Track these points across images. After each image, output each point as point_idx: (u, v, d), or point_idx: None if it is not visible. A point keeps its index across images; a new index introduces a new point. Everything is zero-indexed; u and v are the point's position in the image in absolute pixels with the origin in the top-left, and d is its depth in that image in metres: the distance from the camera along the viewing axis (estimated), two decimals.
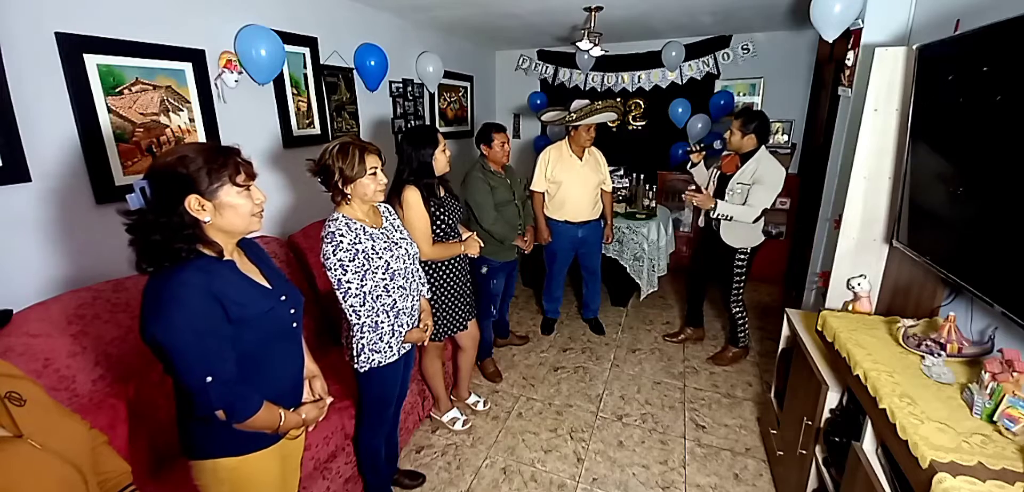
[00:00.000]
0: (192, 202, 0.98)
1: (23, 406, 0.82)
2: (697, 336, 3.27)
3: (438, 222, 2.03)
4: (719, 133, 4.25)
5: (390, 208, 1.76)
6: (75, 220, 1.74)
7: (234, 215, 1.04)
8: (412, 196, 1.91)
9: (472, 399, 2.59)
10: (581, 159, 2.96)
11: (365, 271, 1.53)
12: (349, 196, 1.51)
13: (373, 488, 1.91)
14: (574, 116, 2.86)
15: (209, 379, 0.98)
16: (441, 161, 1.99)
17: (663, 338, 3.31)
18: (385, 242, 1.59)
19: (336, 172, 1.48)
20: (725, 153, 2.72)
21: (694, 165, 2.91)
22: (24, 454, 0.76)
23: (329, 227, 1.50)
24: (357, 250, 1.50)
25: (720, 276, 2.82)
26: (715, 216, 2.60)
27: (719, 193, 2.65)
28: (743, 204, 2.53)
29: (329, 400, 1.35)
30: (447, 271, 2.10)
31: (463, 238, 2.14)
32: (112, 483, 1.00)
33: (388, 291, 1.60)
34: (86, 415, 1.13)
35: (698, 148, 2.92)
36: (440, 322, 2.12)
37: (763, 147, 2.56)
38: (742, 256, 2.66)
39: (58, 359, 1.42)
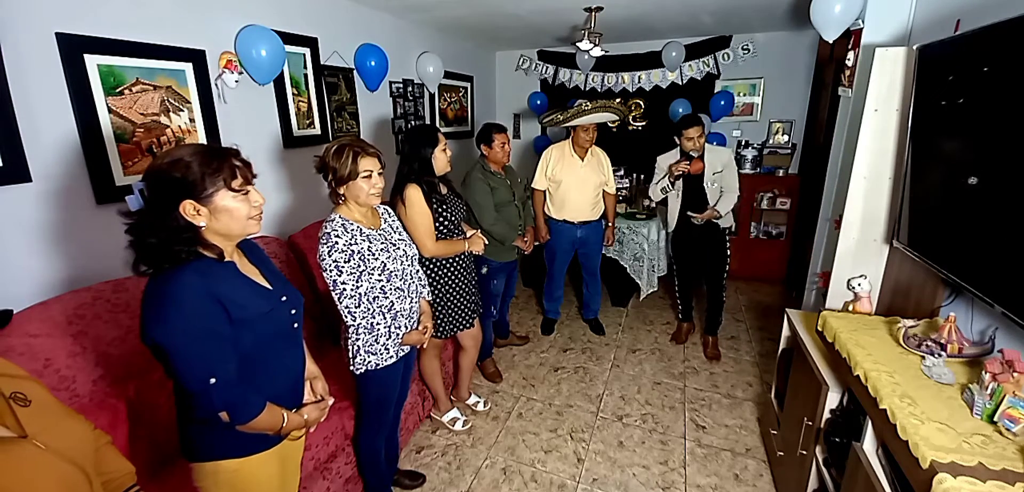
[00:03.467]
0: (187, 207, 0.97)
1: (28, 407, 0.82)
2: (691, 329, 3.34)
3: (441, 220, 2.03)
4: (719, 135, 4.26)
5: (389, 209, 1.76)
6: (75, 220, 1.75)
7: (230, 219, 1.03)
8: (414, 194, 1.91)
9: (472, 399, 2.59)
10: (582, 160, 2.96)
11: (361, 273, 1.52)
12: (343, 196, 1.52)
13: (373, 488, 1.91)
14: (562, 117, 2.87)
15: (212, 381, 0.98)
16: (441, 160, 1.99)
17: (670, 341, 3.31)
18: (382, 243, 1.59)
19: (330, 172, 1.49)
20: (690, 159, 2.74)
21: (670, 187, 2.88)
22: (29, 455, 0.76)
23: (325, 228, 1.50)
24: (353, 251, 1.50)
25: (710, 265, 2.96)
26: (719, 214, 2.79)
27: (692, 193, 2.83)
28: (719, 194, 2.81)
29: (330, 401, 1.35)
30: (452, 269, 2.10)
31: (467, 236, 2.14)
32: (116, 483, 1.00)
33: (385, 292, 1.59)
34: (87, 415, 1.13)
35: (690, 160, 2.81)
36: (445, 320, 2.13)
37: None
38: (728, 238, 2.93)
39: (58, 359, 1.43)
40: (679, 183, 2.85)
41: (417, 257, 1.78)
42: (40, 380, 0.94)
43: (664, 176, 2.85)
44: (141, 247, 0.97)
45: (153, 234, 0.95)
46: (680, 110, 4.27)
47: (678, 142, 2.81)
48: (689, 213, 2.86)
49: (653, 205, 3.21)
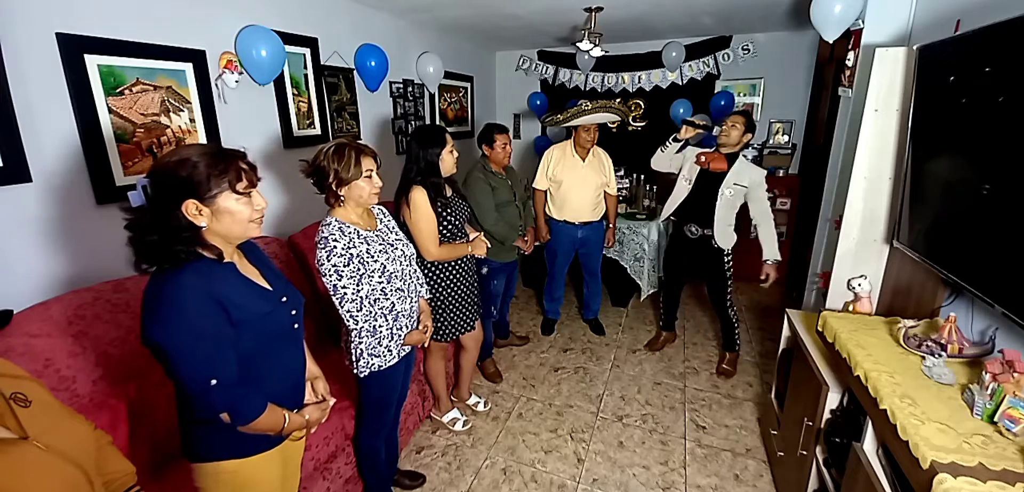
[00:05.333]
0: (190, 207, 0.97)
1: (28, 407, 0.82)
2: (670, 340, 3.24)
3: (445, 222, 2.02)
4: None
5: (384, 210, 1.74)
6: (76, 220, 1.74)
7: (232, 221, 1.03)
8: (419, 197, 1.90)
9: (472, 400, 2.59)
10: (584, 160, 2.96)
11: (361, 275, 1.51)
12: (342, 198, 1.49)
13: (373, 488, 1.91)
14: (562, 117, 2.86)
15: (213, 382, 0.98)
16: (448, 161, 1.98)
17: (644, 348, 3.20)
18: (380, 245, 1.57)
19: (331, 174, 1.45)
20: (712, 150, 2.60)
21: (678, 140, 2.70)
22: (29, 456, 0.76)
23: (322, 232, 1.47)
24: (351, 254, 1.48)
25: (703, 279, 2.81)
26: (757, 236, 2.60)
27: (702, 190, 2.61)
28: (733, 209, 2.59)
29: (332, 401, 1.35)
30: (454, 272, 2.10)
31: (470, 238, 2.14)
32: (117, 484, 1.00)
33: (386, 294, 1.59)
34: (87, 416, 1.13)
35: (698, 124, 2.66)
36: (447, 323, 2.12)
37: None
38: (729, 256, 2.70)
39: (58, 359, 1.42)
40: (695, 174, 2.62)
41: (415, 257, 1.77)
42: (40, 380, 0.94)
43: (674, 142, 2.65)
44: (141, 245, 0.97)
45: (154, 231, 0.95)
46: (680, 110, 4.27)
47: (716, 136, 2.63)
48: (686, 227, 2.70)
49: (651, 168, 2.89)
